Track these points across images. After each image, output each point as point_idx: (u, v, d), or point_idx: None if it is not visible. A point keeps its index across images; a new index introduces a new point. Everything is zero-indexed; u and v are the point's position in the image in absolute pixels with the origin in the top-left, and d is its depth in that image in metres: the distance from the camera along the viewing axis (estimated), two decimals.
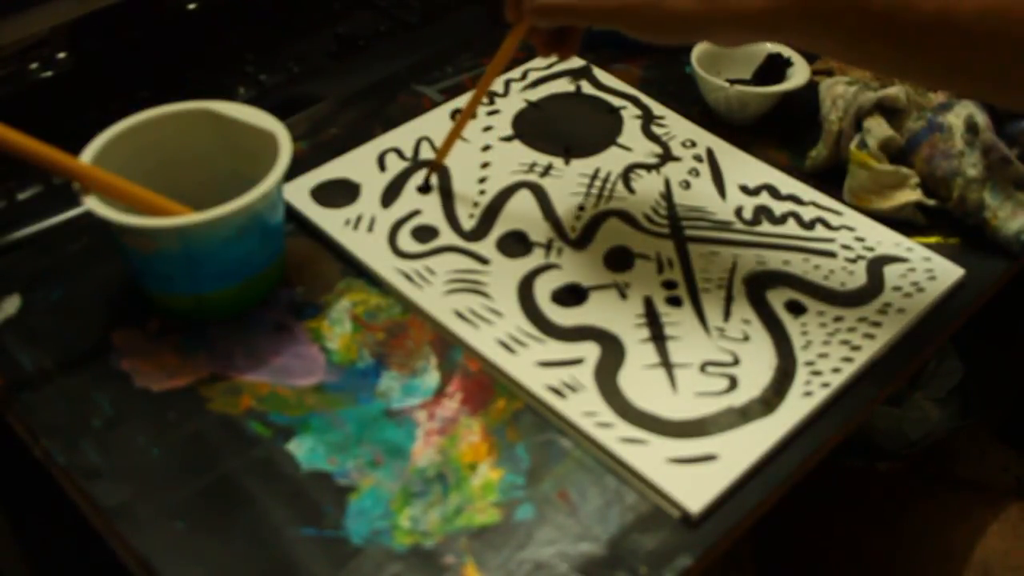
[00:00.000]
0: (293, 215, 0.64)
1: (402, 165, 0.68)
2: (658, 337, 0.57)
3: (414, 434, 0.53)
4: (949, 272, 0.62)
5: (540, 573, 0.47)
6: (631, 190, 0.67)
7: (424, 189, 0.66)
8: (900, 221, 0.65)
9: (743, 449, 0.52)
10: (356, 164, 0.68)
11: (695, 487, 0.50)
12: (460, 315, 0.58)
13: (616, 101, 0.75)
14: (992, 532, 0.73)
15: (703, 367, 0.56)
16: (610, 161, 0.69)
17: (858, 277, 0.61)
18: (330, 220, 0.63)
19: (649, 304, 0.59)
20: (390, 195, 0.65)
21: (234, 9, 0.83)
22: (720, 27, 0.50)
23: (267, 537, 0.48)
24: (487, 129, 0.71)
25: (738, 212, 0.66)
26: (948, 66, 0.50)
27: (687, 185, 0.67)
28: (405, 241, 0.62)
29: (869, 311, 0.59)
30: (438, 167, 0.67)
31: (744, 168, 0.69)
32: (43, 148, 0.51)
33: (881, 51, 0.50)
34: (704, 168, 0.69)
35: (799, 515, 0.79)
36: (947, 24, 0.47)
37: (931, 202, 0.65)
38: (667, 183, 0.68)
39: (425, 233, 0.63)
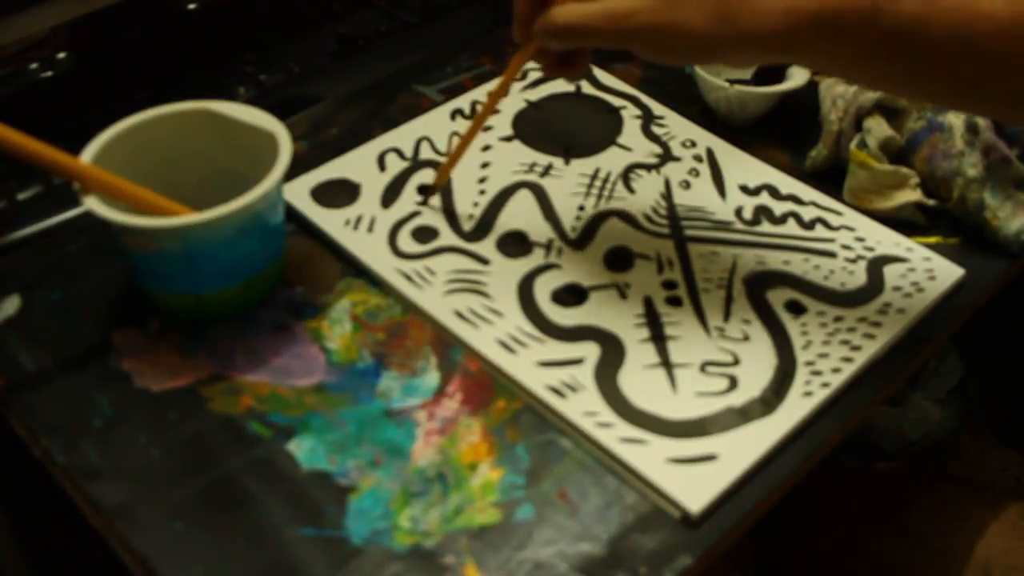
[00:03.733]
0: (293, 215, 0.64)
1: (402, 165, 0.68)
2: (658, 337, 0.57)
3: (414, 434, 0.53)
4: (949, 272, 0.62)
5: (540, 573, 0.47)
6: (631, 190, 0.67)
7: (423, 203, 0.65)
8: (900, 221, 0.65)
9: (743, 449, 0.52)
10: (356, 164, 0.68)
11: (695, 487, 0.50)
12: (460, 315, 0.58)
13: (616, 101, 0.75)
14: (992, 532, 0.73)
15: (703, 367, 0.56)
16: (610, 161, 0.69)
17: (858, 277, 0.61)
18: (330, 220, 0.63)
19: (649, 304, 0.59)
20: (390, 195, 0.65)
21: (234, 9, 0.83)
22: (735, 48, 0.50)
23: (267, 537, 0.48)
24: (487, 129, 0.71)
25: (738, 212, 0.66)
26: (962, 86, 0.49)
27: (687, 185, 0.67)
28: (405, 241, 0.62)
29: (869, 311, 0.59)
30: (438, 188, 0.66)
31: (744, 168, 0.69)
32: (43, 148, 0.51)
33: (894, 71, 0.50)
34: (704, 168, 0.69)
35: (799, 515, 0.80)
36: (960, 45, 0.47)
37: (931, 202, 0.65)
38: (667, 183, 0.68)
39: (425, 233, 0.63)
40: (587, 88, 0.76)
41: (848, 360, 0.56)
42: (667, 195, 0.67)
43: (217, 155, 0.59)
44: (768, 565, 0.82)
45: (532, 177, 0.68)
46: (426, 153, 0.69)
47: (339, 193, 0.65)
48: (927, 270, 0.62)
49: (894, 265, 0.62)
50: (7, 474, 0.67)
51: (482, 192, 0.66)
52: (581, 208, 0.65)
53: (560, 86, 0.76)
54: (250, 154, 0.57)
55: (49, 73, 0.74)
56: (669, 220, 0.65)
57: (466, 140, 0.63)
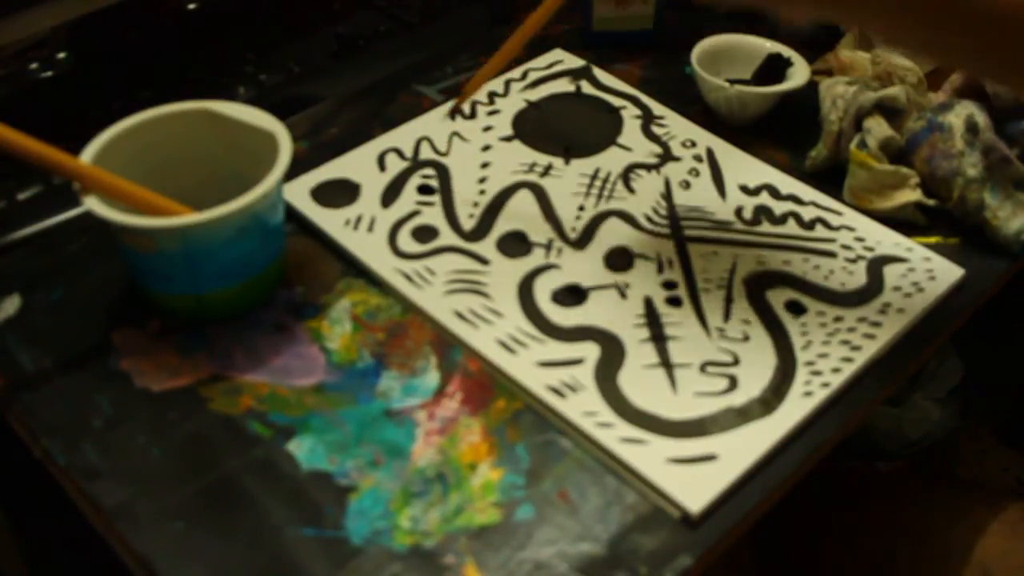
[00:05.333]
0: (293, 215, 0.64)
1: (402, 165, 0.68)
2: (658, 337, 0.57)
3: (414, 434, 0.53)
4: (949, 272, 0.62)
5: (540, 573, 0.47)
6: (631, 190, 0.67)
7: (454, 115, 0.67)
8: (900, 221, 0.65)
9: (743, 449, 0.52)
10: (356, 164, 0.68)
11: (695, 487, 0.50)
12: (460, 315, 0.58)
13: (616, 101, 0.75)
14: (992, 532, 0.73)
15: (703, 367, 0.56)
16: (610, 161, 0.69)
17: (858, 277, 0.61)
18: (330, 220, 0.63)
19: (649, 304, 0.59)
20: (390, 195, 0.65)
21: (234, 9, 0.83)
22: None
23: (267, 537, 0.48)
24: (487, 129, 0.71)
25: (738, 212, 0.66)
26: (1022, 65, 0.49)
27: (687, 185, 0.67)
28: (405, 241, 0.62)
29: (869, 311, 0.59)
30: (466, 99, 0.66)
31: (744, 168, 0.69)
32: (43, 148, 0.51)
33: (959, 42, 0.49)
34: (704, 168, 0.69)
35: (799, 515, 0.79)
36: None
37: (931, 202, 0.65)
38: (667, 183, 0.68)
39: (425, 233, 0.63)
40: (587, 88, 0.76)
41: (848, 360, 0.56)
42: (667, 195, 0.67)
43: (217, 155, 0.59)
44: (768, 565, 0.82)
45: (532, 177, 0.68)
46: (426, 153, 0.69)
47: (339, 193, 0.65)
48: (927, 270, 0.62)
49: (894, 265, 0.62)
50: (7, 474, 0.67)
51: (482, 192, 0.66)
52: (581, 208, 0.65)
53: (560, 86, 0.76)
54: (250, 154, 0.57)
55: (49, 73, 0.74)
56: (669, 220, 0.65)
57: (505, 54, 0.62)
